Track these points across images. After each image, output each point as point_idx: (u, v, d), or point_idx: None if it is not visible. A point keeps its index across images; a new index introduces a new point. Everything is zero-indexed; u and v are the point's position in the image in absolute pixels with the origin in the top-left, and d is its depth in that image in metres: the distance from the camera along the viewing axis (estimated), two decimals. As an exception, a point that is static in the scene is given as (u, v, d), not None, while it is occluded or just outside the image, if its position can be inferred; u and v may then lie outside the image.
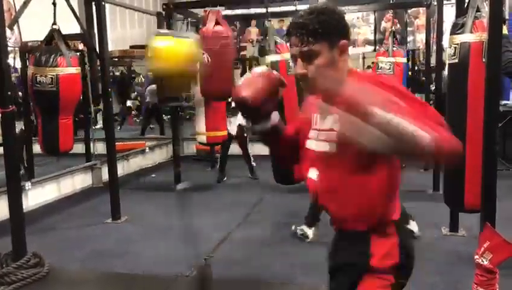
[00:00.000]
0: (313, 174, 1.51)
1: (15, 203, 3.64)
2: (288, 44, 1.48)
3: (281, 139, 1.62)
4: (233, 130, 6.30)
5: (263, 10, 5.63)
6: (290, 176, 1.48)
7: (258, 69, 1.55)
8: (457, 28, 3.13)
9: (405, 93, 1.32)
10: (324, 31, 1.37)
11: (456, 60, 3.10)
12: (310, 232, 4.07)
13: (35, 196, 5.28)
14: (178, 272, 3.63)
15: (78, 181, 6.15)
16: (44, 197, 5.48)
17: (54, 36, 4.50)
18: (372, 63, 5.78)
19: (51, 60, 4.39)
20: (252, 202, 5.44)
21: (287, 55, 4.52)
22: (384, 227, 1.45)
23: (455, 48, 3.10)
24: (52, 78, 4.37)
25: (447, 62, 3.33)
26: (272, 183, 5.86)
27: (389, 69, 5.38)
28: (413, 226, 3.90)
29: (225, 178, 6.68)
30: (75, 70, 4.58)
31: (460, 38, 3.08)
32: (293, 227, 4.19)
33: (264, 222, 4.83)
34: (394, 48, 5.86)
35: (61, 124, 4.60)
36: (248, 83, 1.49)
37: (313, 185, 1.52)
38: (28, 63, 6.36)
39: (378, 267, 1.41)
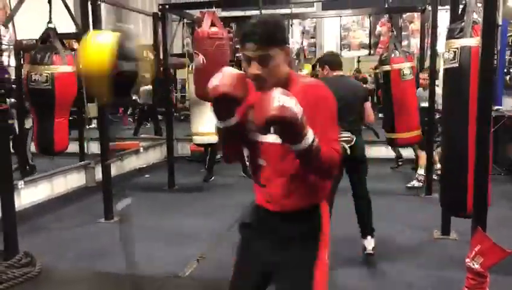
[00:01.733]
0: (261, 162, 1.75)
1: (7, 202, 3.62)
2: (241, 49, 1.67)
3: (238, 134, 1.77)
4: None
5: (259, 12, 5.64)
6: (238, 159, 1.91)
7: (229, 69, 1.66)
8: (456, 32, 3.13)
9: (332, 110, 1.68)
10: (277, 37, 1.64)
11: (456, 65, 3.09)
12: None
13: (28, 195, 5.25)
14: (170, 272, 3.62)
15: (71, 181, 6.12)
16: (37, 196, 5.45)
17: (49, 35, 4.47)
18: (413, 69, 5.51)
19: (46, 58, 4.34)
20: (245, 202, 5.42)
21: None
22: (324, 199, 1.80)
23: (454, 52, 3.09)
24: (47, 76, 4.32)
25: (444, 66, 3.32)
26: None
27: (410, 74, 5.37)
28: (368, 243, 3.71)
29: (212, 177, 6.68)
30: (70, 68, 4.53)
31: (460, 42, 3.07)
32: None
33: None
34: (407, 53, 5.83)
35: (56, 123, 4.53)
36: (225, 80, 1.59)
37: (262, 173, 1.76)
38: (22, 61, 6.35)
39: (325, 232, 1.78)
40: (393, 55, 5.34)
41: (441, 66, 6.39)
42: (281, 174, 1.71)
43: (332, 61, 3.70)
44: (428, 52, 6.09)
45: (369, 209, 3.70)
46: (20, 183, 5.10)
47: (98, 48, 1.39)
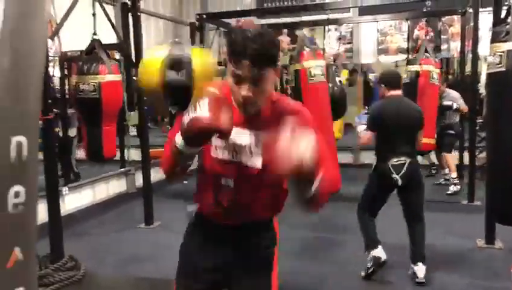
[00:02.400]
0: (227, 183, 1.62)
1: (53, 208, 3.76)
2: (234, 63, 1.46)
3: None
4: None
5: (294, 19, 5.66)
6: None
7: (213, 93, 1.43)
8: (501, 35, 3.04)
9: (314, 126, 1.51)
10: (272, 57, 1.47)
11: (503, 69, 3.00)
12: (377, 252, 3.50)
13: (71, 201, 5.43)
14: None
15: (112, 187, 6.29)
16: (80, 202, 5.63)
17: (94, 46, 4.62)
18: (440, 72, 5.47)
19: (93, 68, 4.49)
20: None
21: (307, 64, 4.48)
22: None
23: (501, 55, 3.00)
24: (94, 85, 4.46)
25: (488, 71, 3.21)
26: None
27: (437, 79, 5.30)
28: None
29: None
30: (116, 77, 4.65)
31: (506, 45, 2.98)
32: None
33: (283, 228, 4.81)
34: (437, 58, 5.76)
35: (104, 131, 4.64)
36: (211, 110, 1.38)
37: (228, 192, 1.62)
38: (66, 72, 6.59)
39: (275, 240, 1.78)
40: (423, 56, 5.28)
41: (482, 70, 6.23)
42: (249, 198, 1.62)
43: (389, 81, 3.54)
44: (469, 56, 5.94)
45: (423, 234, 3.48)
46: (65, 190, 5.28)
47: (150, 60, 1.44)
